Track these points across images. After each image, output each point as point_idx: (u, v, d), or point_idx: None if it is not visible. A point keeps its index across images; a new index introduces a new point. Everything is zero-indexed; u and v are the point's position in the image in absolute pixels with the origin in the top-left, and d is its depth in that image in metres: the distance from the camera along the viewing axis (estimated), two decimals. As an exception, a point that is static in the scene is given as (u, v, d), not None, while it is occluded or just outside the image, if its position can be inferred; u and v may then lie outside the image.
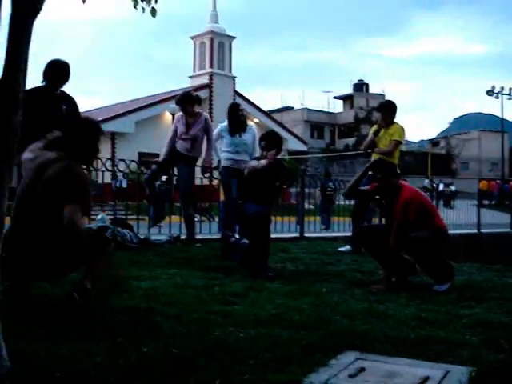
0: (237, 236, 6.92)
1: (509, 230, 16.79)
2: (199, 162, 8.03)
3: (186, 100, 7.83)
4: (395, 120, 7.83)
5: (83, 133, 3.84)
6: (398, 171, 5.77)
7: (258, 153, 7.93)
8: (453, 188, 32.69)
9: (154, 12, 4.07)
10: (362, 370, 2.56)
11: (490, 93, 47.25)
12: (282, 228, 9.53)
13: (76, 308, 3.40)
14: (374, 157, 7.81)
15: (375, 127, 8.08)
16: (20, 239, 3.43)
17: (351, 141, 53.33)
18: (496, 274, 6.19)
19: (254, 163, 5.85)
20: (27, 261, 3.43)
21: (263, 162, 5.70)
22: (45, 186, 3.52)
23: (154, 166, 8.07)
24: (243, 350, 2.74)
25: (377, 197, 5.49)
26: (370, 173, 5.44)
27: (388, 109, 7.90)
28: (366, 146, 8.09)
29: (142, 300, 3.85)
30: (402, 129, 7.80)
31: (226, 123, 8.21)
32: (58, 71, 6.05)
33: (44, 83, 6.07)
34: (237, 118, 8.08)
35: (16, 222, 3.51)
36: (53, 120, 5.99)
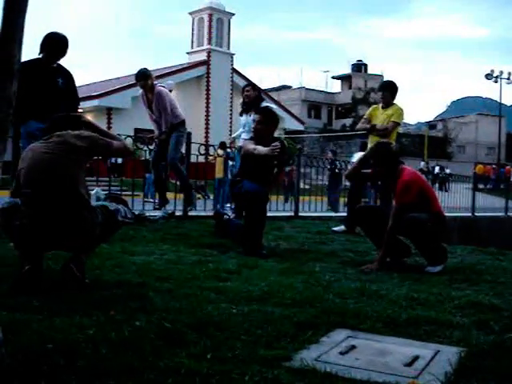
0: (230, 214, 6.94)
1: (503, 214, 16.86)
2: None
3: (142, 76, 7.84)
4: (395, 101, 7.82)
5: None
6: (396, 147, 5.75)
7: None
8: (447, 171, 32.75)
9: None
10: (353, 347, 2.57)
11: (488, 76, 47.20)
12: (277, 207, 9.54)
13: (73, 279, 3.40)
14: (371, 138, 7.82)
15: (373, 108, 8.07)
16: (43, 209, 3.42)
17: (348, 121, 53.26)
18: (489, 257, 6.22)
19: (250, 146, 5.78)
20: (50, 230, 3.44)
21: (262, 150, 5.60)
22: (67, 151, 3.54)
23: (154, 147, 8.08)
24: (235, 326, 2.76)
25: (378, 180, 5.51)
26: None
27: (389, 89, 7.87)
28: (361, 126, 8.09)
29: (135, 275, 3.86)
30: (401, 110, 7.77)
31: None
32: (55, 44, 5.99)
33: (41, 56, 6.02)
34: (244, 98, 8.14)
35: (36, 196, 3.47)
36: (49, 93, 5.97)
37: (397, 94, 7.86)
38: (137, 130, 26.82)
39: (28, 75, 5.67)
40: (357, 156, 9.24)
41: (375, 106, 8.25)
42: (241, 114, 8.23)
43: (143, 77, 7.80)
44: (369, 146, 7.94)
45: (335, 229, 7.74)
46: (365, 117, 8.08)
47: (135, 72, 7.85)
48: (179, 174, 7.91)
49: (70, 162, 3.52)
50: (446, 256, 5.15)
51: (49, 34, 5.99)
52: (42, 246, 3.53)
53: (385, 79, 16.26)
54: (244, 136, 8.12)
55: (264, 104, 8.10)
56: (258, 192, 5.51)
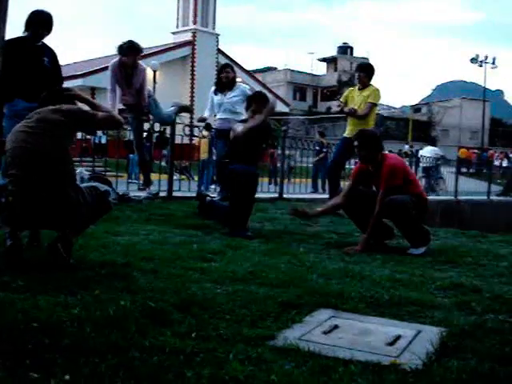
0: (213, 195, 6.94)
1: (485, 197, 17.00)
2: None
3: (137, 49, 7.32)
4: (371, 83, 7.83)
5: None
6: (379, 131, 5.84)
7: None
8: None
9: None
10: (336, 327, 2.60)
11: (473, 61, 47.38)
12: (261, 188, 9.55)
13: (58, 259, 3.40)
14: (350, 121, 7.86)
15: (349, 90, 8.14)
16: (31, 186, 3.41)
17: (334, 104, 53.25)
18: (471, 240, 6.29)
19: (240, 128, 5.77)
20: (39, 209, 3.43)
21: (258, 118, 5.62)
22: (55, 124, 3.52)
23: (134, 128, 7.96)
24: (219, 306, 2.78)
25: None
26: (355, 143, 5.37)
27: (365, 70, 7.90)
28: (337, 110, 8.17)
29: (119, 255, 3.86)
30: (378, 91, 7.78)
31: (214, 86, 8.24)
32: (41, 22, 5.91)
33: (26, 34, 5.94)
34: (220, 77, 8.04)
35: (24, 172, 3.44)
36: (35, 72, 5.91)
37: (373, 75, 7.88)
38: (121, 110, 26.62)
39: (13, 53, 5.61)
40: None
41: (351, 88, 8.29)
42: (215, 93, 8.12)
43: (137, 50, 7.31)
44: (347, 129, 8.02)
45: None
46: (341, 100, 8.12)
47: (126, 43, 7.21)
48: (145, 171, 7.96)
49: (52, 139, 3.46)
50: (428, 238, 5.20)
51: (34, 11, 5.91)
52: (27, 223, 3.52)
53: (370, 62, 16.32)
54: (220, 115, 8.03)
55: (238, 85, 8.07)
56: (250, 174, 5.52)
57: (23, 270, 3.25)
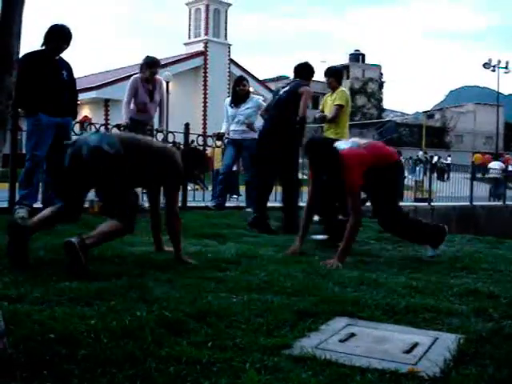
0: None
1: (501, 202, 16.90)
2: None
3: (155, 63, 7.59)
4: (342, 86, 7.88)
5: None
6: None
7: (259, 122, 8.05)
8: (449, 160, 33.04)
9: None
10: (353, 335, 2.59)
11: (486, 66, 47.17)
12: (276, 197, 9.54)
13: (74, 259, 3.47)
14: (325, 126, 7.92)
15: (325, 97, 8.21)
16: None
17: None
18: (487, 246, 6.25)
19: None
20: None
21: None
22: None
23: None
24: (235, 315, 2.77)
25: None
26: None
27: (333, 74, 7.87)
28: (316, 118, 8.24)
29: (134, 265, 3.87)
30: (343, 91, 7.72)
31: (229, 97, 8.39)
32: (62, 36, 5.98)
33: (44, 47, 6.01)
34: (237, 90, 8.15)
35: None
36: (56, 86, 5.98)
37: (342, 78, 7.94)
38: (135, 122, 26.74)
39: (34, 67, 5.69)
40: None
41: (327, 94, 8.34)
42: (231, 105, 8.21)
43: (158, 65, 7.63)
44: (325, 134, 8.08)
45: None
46: (320, 108, 8.21)
47: (147, 59, 7.59)
48: None
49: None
50: (437, 237, 5.08)
51: (54, 25, 5.98)
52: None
53: (383, 69, 16.34)
54: (234, 127, 8.13)
55: (252, 97, 8.16)
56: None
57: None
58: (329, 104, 7.69)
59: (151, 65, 7.46)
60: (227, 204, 8.66)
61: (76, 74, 6.43)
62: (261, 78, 41.98)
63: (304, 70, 7.49)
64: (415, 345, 2.48)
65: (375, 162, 4.77)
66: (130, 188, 4.14)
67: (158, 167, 4.16)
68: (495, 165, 22.89)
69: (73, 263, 3.48)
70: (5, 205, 6.25)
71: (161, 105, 7.71)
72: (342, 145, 4.87)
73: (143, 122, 7.51)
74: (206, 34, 36.55)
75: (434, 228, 5.16)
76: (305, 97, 6.67)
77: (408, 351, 2.41)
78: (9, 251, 3.68)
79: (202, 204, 8.42)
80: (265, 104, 8.43)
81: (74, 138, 6.18)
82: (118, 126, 7.51)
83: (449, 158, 36.48)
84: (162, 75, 8.32)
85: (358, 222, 4.71)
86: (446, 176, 24.78)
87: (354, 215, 4.66)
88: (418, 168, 18.24)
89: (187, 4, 37.70)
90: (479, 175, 22.46)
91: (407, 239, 5.29)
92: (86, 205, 6.80)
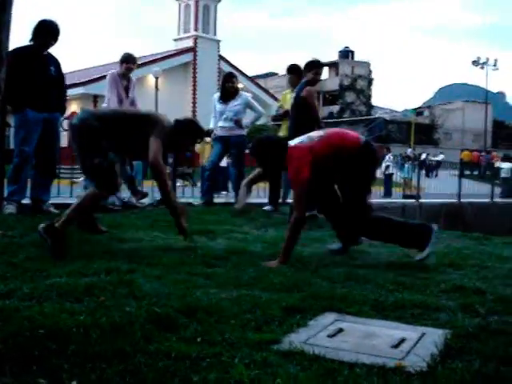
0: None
1: (489, 200, 17.00)
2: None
3: (134, 59, 7.62)
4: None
5: None
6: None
7: (247, 119, 8.10)
8: (439, 158, 33.18)
9: None
10: (341, 330, 2.61)
11: (475, 63, 47.42)
12: (265, 194, 9.56)
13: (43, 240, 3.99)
14: (283, 124, 8.17)
15: (284, 93, 8.33)
16: None
17: (336, 108, 53.34)
18: (474, 242, 6.30)
19: None
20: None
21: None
22: None
23: None
24: (224, 311, 2.79)
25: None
26: None
27: (294, 71, 8.06)
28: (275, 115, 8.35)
29: (124, 261, 3.87)
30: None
31: (218, 93, 8.40)
32: (50, 32, 5.97)
33: (32, 42, 5.98)
34: (226, 87, 8.15)
35: None
36: (43, 81, 5.96)
37: (302, 75, 7.97)
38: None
39: (21, 62, 5.66)
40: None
41: (286, 90, 8.56)
42: (220, 101, 8.21)
43: (135, 61, 7.63)
44: (283, 129, 8.28)
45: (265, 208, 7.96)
46: (278, 105, 8.34)
47: (123, 55, 7.63)
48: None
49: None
50: (424, 238, 4.59)
51: (42, 21, 5.96)
52: None
53: (372, 66, 16.44)
54: (222, 124, 8.13)
55: (241, 94, 8.19)
56: None
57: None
58: (290, 101, 7.80)
59: (126, 60, 7.48)
60: (216, 200, 8.65)
61: (64, 70, 6.41)
62: (250, 75, 41.95)
63: (296, 71, 7.67)
64: (403, 340, 2.51)
65: (332, 152, 4.48)
66: (116, 155, 4.59)
67: (141, 133, 4.44)
68: (506, 164, 22.06)
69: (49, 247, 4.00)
70: (-7, 201, 6.22)
71: (133, 105, 7.69)
72: (293, 141, 4.67)
73: None
74: (196, 29, 36.49)
75: (416, 228, 4.73)
76: (308, 99, 6.70)
77: (395, 346, 2.43)
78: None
79: (191, 200, 8.42)
80: (253, 101, 8.46)
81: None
82: None
83: (441, 155, 36.62)
84: (151, 71, 8.32)
85: (300, 219, 4.39)
86: (434, 173, 24.91)
87: (296, 211, 4.42)
88: (406, 165, 18.34)
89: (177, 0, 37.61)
90: (467, 172, 22.62)
91: (380, 239, 4.96)
92: (74, 200, 6.81)
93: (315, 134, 4.71)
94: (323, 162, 4.46)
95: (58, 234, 4.06)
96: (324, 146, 4.50)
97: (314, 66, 6.99)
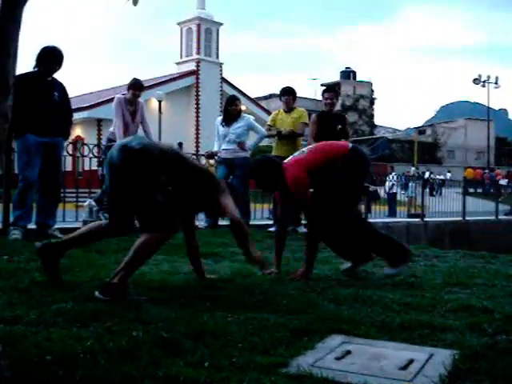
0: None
1: (493, 217, 16.95)
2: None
3: (140, 86, 7.89)
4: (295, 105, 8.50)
5: None
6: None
7: (250, 141, 8.19)
8: (447, 176, 33.40)
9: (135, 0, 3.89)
10: (348, 352, 2.60)
11: (476, 81, 47.55)
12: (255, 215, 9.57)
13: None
14: (277, 144, 8.33)
15: (275, 113, 8.51)
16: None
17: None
18: (480, 261, 6.28)
19: None
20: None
21: None
22: None
23: None
24: (231, 334, 2.78)
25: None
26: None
27: (291, 93, 8.45)
28: (269, 133, 8.54)
29: (130, 285, 3.86)
30: (306, 112, 8.44)
31: (221, 116, 8.55)
32: (53, 58, 6.04)
33: (36, 69, 6.05)
34: (229, 110, 8.24)
35: None
36: (45, 107, 6.01)
37: (296, 97, 8.54)
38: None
39: (24, 88, 5.72)
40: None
41: (276, 111, 8.79)
42: (222, 124, 8.29)
43: (142, 88, 7.89)
44: (276, 149, 8.43)
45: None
46: (268, 123, 8.55)
47: (131, 81, 7.80)
48: None
49: None
50: (399, 257, 4.77)
51: (45, 47, 6.03)
52: None
53: (373, 86, 16.61)
54: (225, 146, 8.21)
55: (243, 116, 8.28)
56: None
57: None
58: (287, 121, 8.21)
59: (133, 87, 7.67)
60: (220, 222, 8.66)
61: (70, 95, 6.45)
62: (253, 96, 42.14)
63: (291, 93, 8.04)
64: (411, 361, 2.50)
65: (324, 159, 4.59)
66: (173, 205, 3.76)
67: (200, 184, 3.95)
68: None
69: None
70: (-1, 226, 6.25)
71: (144, 126, 7.83)
72: (288, 159, 4.83)
73: None
74: (198, 53, 36.74)
75: (396, 245, 4.84)
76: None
77: (404, 368, 2.42)
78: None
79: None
80: (255, 123, 8.52)
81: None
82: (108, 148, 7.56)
83: (448, 174, 36.64)
84: (154, 95, 8.45)
85: (312, 229, 4.64)
86: (438, 191, 24.89)
87: (308, 222, 4.58)
88: (410, 184, 18.33)
89: (179, 24, 37.93)
90: (471, 190, 22.58)
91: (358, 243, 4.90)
92: (79, 225, 6.81)
93: (306, 148, 4.93)
94: (317, 170, 4.56)
95: (121, 290, 3.52)
96: (316, 155, 4.65)
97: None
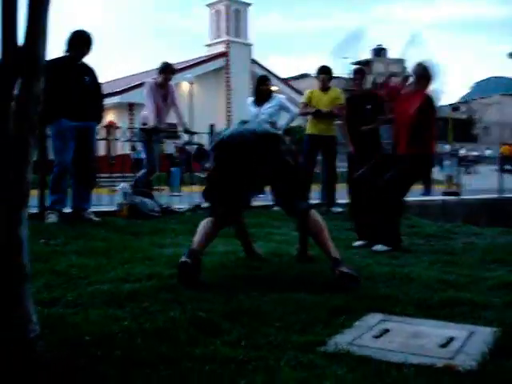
0: None
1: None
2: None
3: (172, 70, 7.86)
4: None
5: None
6: None
7: (283, 120, 8.11)
8: (486, 154, 32.83)
9: None
10: (387, 331, 2.57)
11: (511, 56, 46.46)
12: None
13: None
14: (313, 121, 8.23)
15: (311, 91, 8.38)
16: None
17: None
18: (518, 238, 6.15)
19: None
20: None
21: None
22: None
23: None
24: (268, 314, 2.77)
25: None
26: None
27: (328, 72, 8.32)
28: (304, 111, 8.45)
29: (165, 267, 3.88)
30: (343, 93, 8.34)
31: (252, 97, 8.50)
32: (83, 42, 6.06)
33: (67, 53, 6.08)
34: (260, 89, 8.17)
35: None
36: (78, 91, 6.04)
37: (332, 76, 8.43)
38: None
39: (57, 73, 5.74)
40: None
41: (310, 90, 8.61)
42: (254, 105, 8.21)
43: (173, 71, 7.88)
44: (310, 127, 8.34)
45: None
46: (303, 101, 8.39)
47: (161, 65, 7.76)
48: None
49: None
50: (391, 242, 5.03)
51: (75, 31, 6.05)
52: None
53: (406, 63, 16.40)
54: None
55: (274, 96, 8.20)
56: None
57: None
58: (323, 100, 8.13)
59: (165, 71, 7.62)
60: (254, 203, 8.64)
61: (101, 80, 6.47)
62: (283, 77, 41.88)
63: (327, 72, 7.95)
64: (451, 339, 2.45)
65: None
66: None
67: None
68: None
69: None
70: (35, 210, 6.33)
71: (176, 108, 7.80)
72: None
73: (155, 127, 7.57)
74: (227, 34, 36.59)
75: (392, 232, 5.11)
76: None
77: (444, 345, 2.38)
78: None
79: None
80: (287, 102, 8.43)
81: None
82: (144, 130, 7.59)
83: (487, 151, 36.11)
84: (184, 78, 8.43)
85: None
86: (473, 169, 24.54)
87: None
88: (446, 162, 18.09)
89: (208, 5, 37.79)
90: (508, 167, 22.18)
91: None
92: (114, 208, 6.87)
93: None
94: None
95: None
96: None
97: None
